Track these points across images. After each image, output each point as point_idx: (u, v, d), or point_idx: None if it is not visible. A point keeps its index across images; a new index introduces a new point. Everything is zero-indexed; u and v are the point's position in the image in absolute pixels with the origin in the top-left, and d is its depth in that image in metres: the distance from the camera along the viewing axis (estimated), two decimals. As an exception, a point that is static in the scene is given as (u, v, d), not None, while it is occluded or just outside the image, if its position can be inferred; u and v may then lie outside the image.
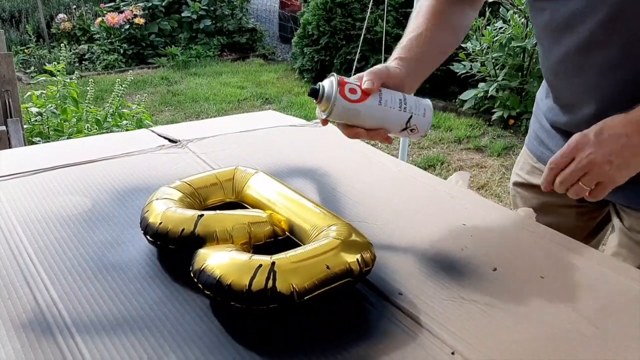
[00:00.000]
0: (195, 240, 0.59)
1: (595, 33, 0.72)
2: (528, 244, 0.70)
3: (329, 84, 0.70)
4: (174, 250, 0.60)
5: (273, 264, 0.52)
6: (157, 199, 0.65)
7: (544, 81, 0.91)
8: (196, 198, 0.68)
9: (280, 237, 0.62)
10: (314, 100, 0.71)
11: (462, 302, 0.57)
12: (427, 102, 0.73)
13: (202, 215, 0.60)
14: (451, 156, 3.28)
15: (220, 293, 0.52)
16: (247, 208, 0.69)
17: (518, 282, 0.61)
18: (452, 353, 0.50)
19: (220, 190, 0.71)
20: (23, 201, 0.75)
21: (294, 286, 0.51)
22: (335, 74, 0.71)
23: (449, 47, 0.87)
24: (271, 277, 0.51)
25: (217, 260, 0.54)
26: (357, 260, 0.56)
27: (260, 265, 0.52)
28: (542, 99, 0.92)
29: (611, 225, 0.93)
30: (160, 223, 0.60)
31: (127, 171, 0.86)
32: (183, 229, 0.59)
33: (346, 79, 0.70)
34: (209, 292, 0.53)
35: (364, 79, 0.70)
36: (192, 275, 0.55)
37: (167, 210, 0.62)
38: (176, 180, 0.69)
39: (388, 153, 1.02)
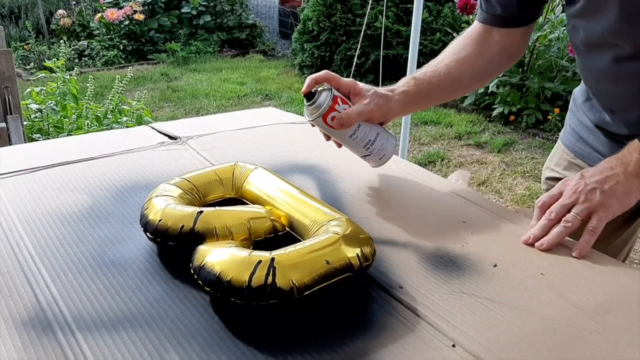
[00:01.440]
0: (195, 237, 0.59)
1: (632, 46, 0.73)
2: (528, 240, 0.70)
3: (323, 99, 0.77)
4: (174, 247, 0.60)
5: (273, 259, 0.52)
6: (156, 195, 0.65)
7: (582, 82, 0.91)
8: (196, 194, 0.68)
9: (280, 233, 0.62)
10: (305, 101, 0.79)
11: (463, 296, 0.57)
12: (390, 150, 0.82)
13: (201, 212, 0.60)
14: (451, 152, 3.28)
15: (220, 289, 0.52)
16: (246, 204, 0.69)
17: (518, 278, 0.61)
18: (453, 345, 0.50)
19: (220, 186, 0.71)
20: (23, 198, 0.75)
21: (294, 282, 0.51)
22: (333, 90, 0.78)
23: (468, 85, 0.92)
24: (271, 272, 0.51)
25: (217, 257, 0.54)
26: (357, 255, 0.56)
27: (260, 261, 0.52)
28: (583, 101, 0.92)
29: None
30: (160, 220, 0.60)
31: (127, 168, 0.86)
32: (183, 226, 0.59)
33: (338, 100, 0.77)
34: (208, 289, 0.53)
35: (346, 115, 0.76)
36: (192, 271, 0.55)
37: (167, 207, 0.62)
38: (175, 177, 0.69)
39: (388, 149, 1.02)
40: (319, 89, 0.78)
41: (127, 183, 0.81)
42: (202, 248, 0.57)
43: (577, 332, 0.53)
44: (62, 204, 0.74)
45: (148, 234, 0.62)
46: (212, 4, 5.66)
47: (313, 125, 0.81)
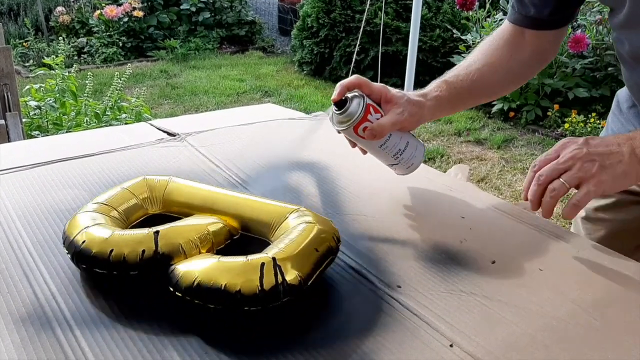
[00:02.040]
0: (159, 260, 0.54)
1: None
2: (526, 236, 0.70)
3: (355, 107, 0.73)
4: (133, 277, 0.54)
5: (274, 259, 0.52)
6: (87, 227, 0.57)
7: (626, 87, 0.88)
8: (120, 218, 0.62)
9: (235, 237, 0.61)
10: (335, 109, 0.74)
11: (461, 295, 0.57)
12: (419, 158, 0.79)
13: (157, 232, 0.55)
14: (451, 149, 3.28)
15: (230, 301, 0.49)
16: (179, 217, 0.63)
17: (516, 275, 0.61)
18: (451, 345, 0.50)
19: (140, 204, 0.64)
20: (22, 195, 0.75)
21: (300, 275, 0.52)
22: (365, 98, 0.73)
23: (498, 90, 0.90)
24: (278, 271, 0.51)
25: (212, 271, 0.51)
26: (334, 237, 0.58)
27: (263, 264, 0.51)
28: (628, 107, 0.89)
29: None
30: (112, 250, 0.54)
31: (125, 165, 0.86)
32: (144, 251, 0.54)
33: (371, 109, 0.73)
34: (214, 304, 0.50)
35: (379, 127, 0.73)
36: (181, 295, 0.51)
37: (113, 234, 0.55)
38: (88, 204, 0.62)
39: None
40: (349, 96, 0.73)
41: (125, 179, 0.81)
42: (180, 268, 0.53)
43: (576, 329, 0.53)
44: (61, 200, 0.74)
45: (97, 270, 0.54)
46: (211, 1, 5.65)
47: (339, 132, 0.76)
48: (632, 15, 0.71)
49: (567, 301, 0.57)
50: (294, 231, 0.57)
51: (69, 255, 0.57)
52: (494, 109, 3.66)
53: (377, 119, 0.73)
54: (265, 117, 1.10)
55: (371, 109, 0.73)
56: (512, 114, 3.63)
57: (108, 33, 5.21)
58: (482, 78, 0.83)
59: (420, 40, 2.83)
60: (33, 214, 0.70)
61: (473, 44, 3.66)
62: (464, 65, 0.84)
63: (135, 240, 0.55)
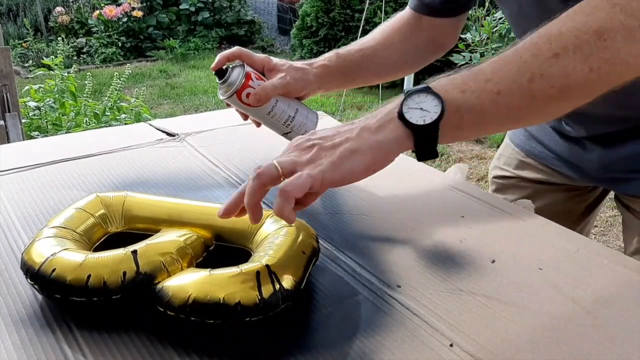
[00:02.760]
0: (142, 280, 0.51)
1: None
2: (526, 235, 0.70)
3: (235, 75, 0.75)
4: (114, 302, 0.51)
5: (268, 266, 0.52)
6: (54, 254, 0.53)
7: None
8: (82, 240, 0.58)
9: (211, 248, 0.59)
10: (217, 79, 0.76)
11: (461, 294, 0.57)
12: (311, 126, 0.79)
13: (135, 251, 0.52)
14: (450, 147, 3.28)
15: (230, 314, 0.48)
16: (148, 234, 0.60)
17: (516, 274, 0.61)
18: (451, 345, 0.50)
19: (98, 223, 0.61)
20: (21, 196, 0.75)
21: (295, 280, 0.52)
22: (245, 66, 0.75)
23: (392, 70, 0.90)
24: (274, 279, 0.51)
25: (206, 285, 0.49)
26: (314, 237, 0.59)
27: (259, 272, 0.51)
28: None
29: (599, 209, 0.94)
30: (89, 275, 0.50)
31: (125, 165, 0.86)
32: (125, 272, 0.51)
33: (252, 76, 0.75)
34: (212, 319, 0.48)
35: (261, 90, 0.73)
36: (175, 313, 0.49)
37: (87, 258, 0.52)
38: (44, 229, 0.58)
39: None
40: (230, 66, 0.76)
41: (125, 180, 0.81)
42: (169, 285, 0.50)
43: (575, 328, 0.53)
44: (61, 201, 0.74)
45: (75, 298, 0.50)
46: (210, 1, 5.65)
47: (229, 105, 0.78)
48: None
49: (567, 301, 0.57)
50: (276, 237, 0.56)
51: (36, 288, 0.52)
52: (494, 108, 3.65)
53: (260, 84, 0.75)
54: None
55: (253, 76, 0.75)
56: (511, 112, 3.62)
57: (107, 33, 5.21)
58: (373, 55, 0.85)
59: (419, 39, 2.84)
60: (33, 215, 0.70)
61: (472, 42, 3.66)
62: (360, 42, 0.86)
63: (114, 261, 0.51)
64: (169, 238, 0.57)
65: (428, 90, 0.51)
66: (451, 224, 0.71)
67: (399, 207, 0.76)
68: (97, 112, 2.49)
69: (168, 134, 0.99)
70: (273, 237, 0.57)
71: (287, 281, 0.51)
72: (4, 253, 0.62)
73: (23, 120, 2.26)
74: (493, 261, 0.63)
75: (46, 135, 2.33)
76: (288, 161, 0.51)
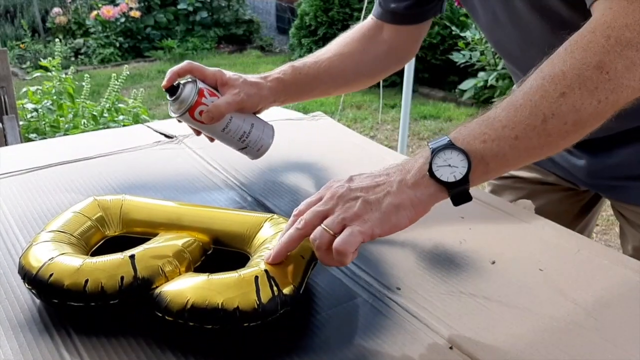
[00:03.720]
0: (140, 285, 0.51)
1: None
2: (526, 236, 0.69)
3: (187, 92, 0.72)
4: (112, 307, 0.51)
5: (266, 271, 0.51)
6: (51, 258, 0.52)
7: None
8: (80, 244, 0.58)
9: (209, 252, 0.59)
10: (168, 96, 0.74)
11: (461, 296, 0.57)
12: (267, 140, 0.78)
13: (133, 256, 0.52)
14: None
15: (229, 319, 0.48)
16: (136, 237, 0.60)
17: (516, 275, 0.61)
18: (451, 347, 0.50)
19: (96, 226, 0.60)
20: (19, 199, 0.75)
21: (293, 285, 0.52)
22: (198, 82, 0.73)
23: (351, 81, 0.89)
24: (273, 283, 0.50)
25: (205, 290, 0.49)
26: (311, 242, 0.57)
27: (257, 277, 0.50)
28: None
29: (598, 208, 0.93)
30: (87, 280, 0.50)
31: (123, 168, 0.85)
32: (122, 277, 0.50)
33: (205, 92, 0.72)
34: (211, 325, 0.48)
35: (215, 108, 0.72)
36: (173, 318, 0.49)
37: (85, 263, 0.51)
38: (41, 234, 0.57)
39: (387, 145, 1.02)
40: (182, 82, 0.73)
41: (123, 183, 0.81)
42: (168, 290, 0.50)
43: (576, 330, 0.52)
44: (59, 204, 0.74)
45: (72, 303, 0.50)
46: (208, 0, 5.64)
47: (180, 121, 0.76)
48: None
49: (567, 301, 0.56)
50: (275, 241, 0.56)
51: (34, 292, 0.52)
52: (493, 106, 3.65)
53: (213, 102, 0.73)
54: (264, 117, 1.10)
55: (205, 92, 0.73)
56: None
57: (105, 34, 5.20)
58: (330, 67, 0.84)
59: (418, 38, 2.83)
60: (31, 219, 0.70)
61: (472, 41, 3.66)
62: (316, 54, 0.86)
63: (112, 266, 0.51)
64: (167, 242, 0.56)
65: (453, 146, 0.54)
66: (451, 225, 0.71)
67: (398, 208, 0.76)
68: (95, 113, 2.48)
69: (166, 136, 0.98)
70: (271, 241, 0.57)
71: (286, 286, 0.51)
72: (1, 257, 0.62)
73: (21, 123, 2.26)
74: (493, 262, 0.63)
75: (44, 138, 2.32)
76: (337, 221, 0.52)
